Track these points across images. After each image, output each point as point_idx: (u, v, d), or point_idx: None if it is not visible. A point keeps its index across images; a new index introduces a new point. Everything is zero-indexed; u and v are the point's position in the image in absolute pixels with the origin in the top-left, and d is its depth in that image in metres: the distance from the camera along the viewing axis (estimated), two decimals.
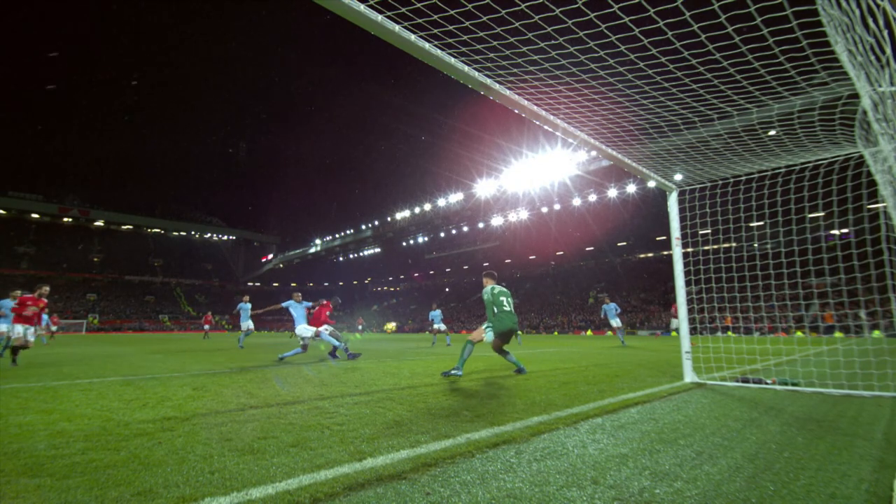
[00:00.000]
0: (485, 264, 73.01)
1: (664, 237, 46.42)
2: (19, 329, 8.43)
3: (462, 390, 5.07)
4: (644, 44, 3.32)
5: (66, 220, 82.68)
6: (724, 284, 6.60)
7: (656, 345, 17.02)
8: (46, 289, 8.92)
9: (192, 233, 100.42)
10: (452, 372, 6.24)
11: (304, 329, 9.84)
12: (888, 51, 1.99)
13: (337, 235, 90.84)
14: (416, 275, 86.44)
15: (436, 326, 18.18)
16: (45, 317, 20.04)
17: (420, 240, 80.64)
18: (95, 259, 79.60)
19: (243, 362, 9.02)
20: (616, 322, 16.07)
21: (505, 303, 6.66)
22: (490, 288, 6.80)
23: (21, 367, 7.91)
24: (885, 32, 1.86)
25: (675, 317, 14.47)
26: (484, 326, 6.66)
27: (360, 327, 33.49)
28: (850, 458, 2.60)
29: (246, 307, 15.53)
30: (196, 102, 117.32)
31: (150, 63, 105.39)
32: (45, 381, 5.90)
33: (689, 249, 6.59)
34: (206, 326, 28.20)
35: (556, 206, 55.27)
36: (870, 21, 1.98)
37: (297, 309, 10.03)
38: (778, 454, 2.69)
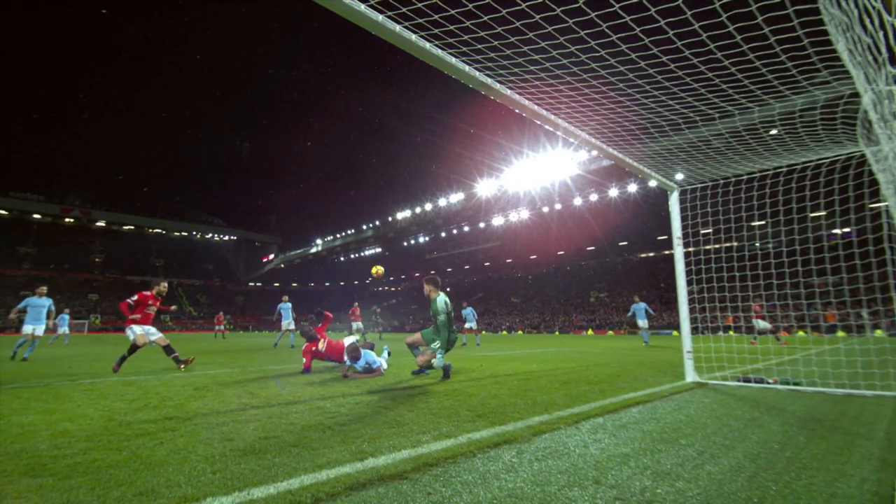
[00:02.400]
0: (485, 264, 73.13)
1: (665, 237, 46.31)
2: (137, 330, 7.23)
3: (463, 390, 5.07)
4: (645, 43, 3.32)
5: (67, 220, 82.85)
6: (726, 284, 6.58)
7: (662, 343, 16.98)
8: (165, 285, 7.82)
9: (194, 233, 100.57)
10: (438, 366, 5.96)
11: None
12: (884, 52, 1.99)
13: (338, 235, 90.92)
14: (417, 275, 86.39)
15: (468, 326, 17.08)
16: (66, 317, 19.90)
17: (421, 240, 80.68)
18: (97, 259, 79.77)
19: (245, 362, 9.04)
20: (644, 322, 15.94)
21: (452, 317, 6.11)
22: (446, 301, 6.11)
23: (24, 369, 7.93)
24: (881, 34, 1.86)
25: (760, 318, 13.81)
26: (434, 347, 6.04)
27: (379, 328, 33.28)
28: (852, 458, 2.59)
29: (286, 307, 15.68)
30: (197, 103, 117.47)
31: (151, 63, 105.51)
32: (48, 381, 5.91)
33: (691, 249, 6.59)
34: (220, 326, 28.31)
35: (557, 206, 55.25)
36: (867, 21, 1.98)
37: (365, 356, 6.96)
38: (779, 454, 2.68)
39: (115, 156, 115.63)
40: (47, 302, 10.25)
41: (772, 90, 4.02)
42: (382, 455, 2.57)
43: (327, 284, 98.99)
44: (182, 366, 7.36)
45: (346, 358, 6.83)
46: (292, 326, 15.60)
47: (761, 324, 13.97)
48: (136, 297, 7.42)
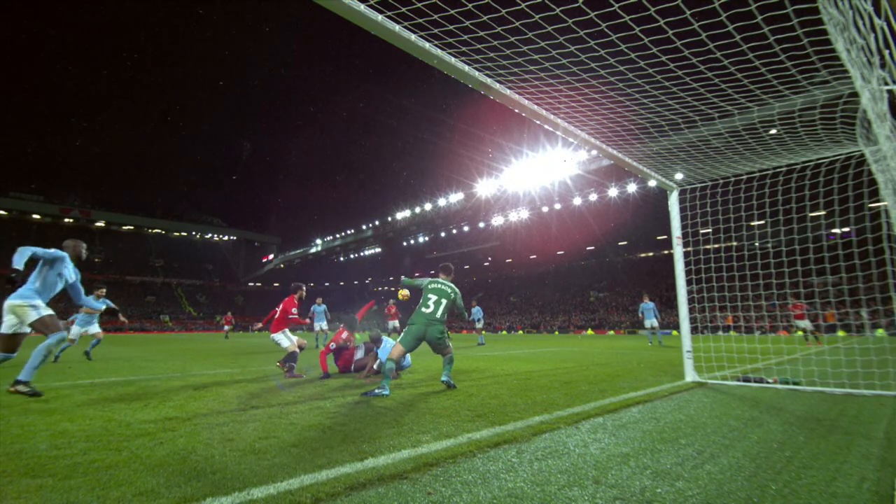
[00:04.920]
0: (485, 263, 73.17)
1: (665, 236, 46.38)
2: (280, 337, 6.89)
3: (463, 390, 5.08)
4: (645, 42, 3.32)
5: (67, 220, 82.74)
6: (725, 283, 6.58)
7: (667, 342, 16.96)
8: (303, 288, 7.49)
9: (193, 233, 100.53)
10: (376, 392, 4.72)
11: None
12: (876, 54, 2.00)
13: (338, 235, 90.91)
14: (416, 274, 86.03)
15: (478, 326, 17.56)
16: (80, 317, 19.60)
17: (420, 239, 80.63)
18: (97, 259, 79.61)
19: (245, 363, 9.04)
20: (653, 322, 15.57)
21: (430, 301, 5.32)
22: (427, 280, 5.59)
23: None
24: (872, 36, 1.87)
25: (801, 318, 13.45)
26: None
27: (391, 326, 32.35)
28: (852, 457, 2.60)
29: (320, 309, 15.60)
30: (197, 103, 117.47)
31: (151, 63, 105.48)
32: (47, 382, 5.90)
33: (690, 248, 6.59)
34: (227, 327, 28.38)
35: (557, 206, 55.19)
36: (860, 23, 1.98)
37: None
38: (779, 453, 2.68)
39: (115, 156, 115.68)
40: (105, 304, 10.39)
41: (771, 90, 4.02)
42: (382, 455, 2.57)
43: (327, 284, 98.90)
44: (287, 374, 6.64)
45: (359, 353, 6.86)
46: (325, 327, 15.42)
47: (801, 323, 13.68)
48: (281, 307, 7.06)
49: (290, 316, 6.98)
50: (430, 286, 5.48)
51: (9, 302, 4.57)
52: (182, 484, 2.13)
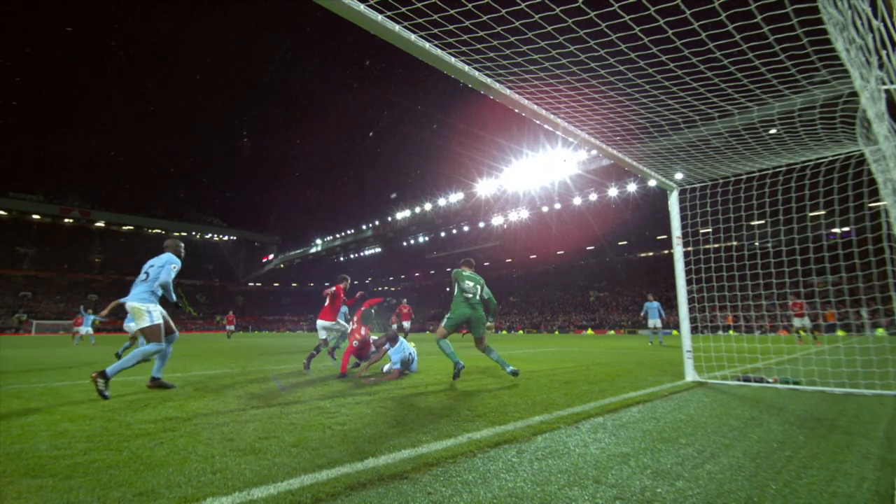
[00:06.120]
0: (485, 264, 73.18)
1: (665, 236, 46.41)
2: (336, 325, 7.46)
3: (463, 390, 5.08)
4: (644, 42, 3.32)
5: (67, 220, 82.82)
6: (725, 283, 6.58)
7: (667, 341, 16.96)
8: (347, 279, 8.04)
9: (193, 233, 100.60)
10: (458, 370, 5.70)
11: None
12: (874, 54, 2.00)
13: (337, 235, 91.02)
14: (416, 274, 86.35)
15: None
16: (90, 317, 19.85)
17: (420, 239, 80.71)
18: (97, 260, 79.74)
19: (245, 362, 9.04)
20: (657, 322, 15.35)
21: (468, 289, 5.87)
22: (458, 271, 6.15)
23: (24, 369, 7.92)
24: (870, 36, 1.88)
25: (799, 315, 13.41)
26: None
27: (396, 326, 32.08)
28: (852, 457, 2.60)
29: (343, 309, 15.45)
30: (197, 103, 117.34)
31: (150, 63, 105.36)
32: (47, 382, 5.91)
33: (690, 248, 6.59)
34: (230, 327, 28.27)
35: (557, 206, 55.18)
36: (858, 23, 1.98)
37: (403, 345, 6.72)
38: (779, 453, 2.68)
39: (116, 156, 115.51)
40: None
41: (771, 90, 4.02)
42: (382, 455, 2.57)
43: (327, 284, 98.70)
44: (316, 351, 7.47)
45: (372, 348, 7.16)
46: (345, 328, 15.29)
47: (798, 321, 13.66)
48: (333, 291, 7.63)
49: (344, 299, 7.70)
50: (463, 274, 6.07)
51: (129, 303, 4.80)
52: (182, 484, 2.13)
